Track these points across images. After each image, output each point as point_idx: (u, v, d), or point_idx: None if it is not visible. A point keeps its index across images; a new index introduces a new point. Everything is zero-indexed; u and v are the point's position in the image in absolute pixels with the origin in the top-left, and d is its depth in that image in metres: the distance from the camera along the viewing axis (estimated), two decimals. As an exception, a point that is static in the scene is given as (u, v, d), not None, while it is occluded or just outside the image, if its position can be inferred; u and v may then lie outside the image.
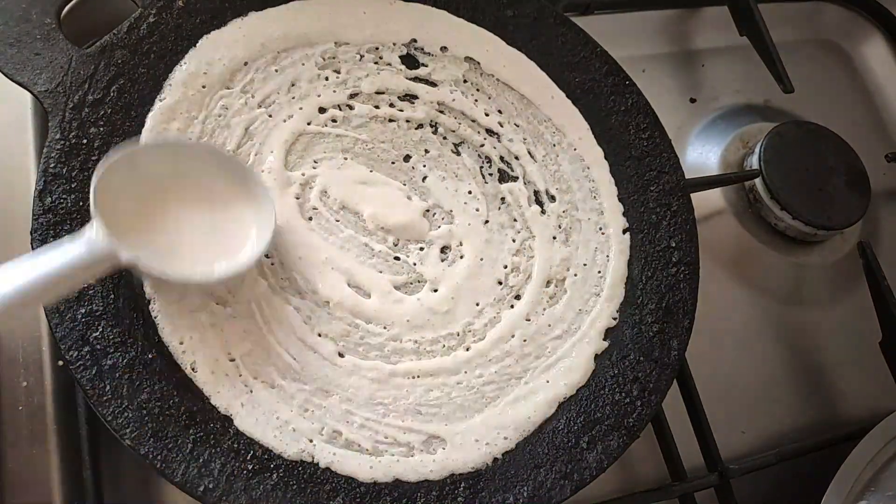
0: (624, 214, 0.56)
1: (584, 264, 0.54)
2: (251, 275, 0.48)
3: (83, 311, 0.43)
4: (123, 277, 0.45)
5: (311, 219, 0.50)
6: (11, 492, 0.46)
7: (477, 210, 0.54)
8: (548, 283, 0.53)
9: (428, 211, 0.53)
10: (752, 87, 0.76)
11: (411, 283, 0.51)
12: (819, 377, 0.66)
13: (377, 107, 0.54)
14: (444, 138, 0.55)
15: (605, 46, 0.59)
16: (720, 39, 0.76)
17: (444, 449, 0.47)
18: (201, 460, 0.42)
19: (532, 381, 0.50)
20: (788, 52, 0.71)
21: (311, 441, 0.45)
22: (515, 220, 0.54)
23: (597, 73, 0.59)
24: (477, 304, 0.51)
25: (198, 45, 0.51)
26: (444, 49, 0.57)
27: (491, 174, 0.55)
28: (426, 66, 0.56)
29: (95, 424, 0.47)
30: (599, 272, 0.54)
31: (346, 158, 0.53)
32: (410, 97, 0.55)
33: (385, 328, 0.49)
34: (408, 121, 0.55)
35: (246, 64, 0.52)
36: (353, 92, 0.54)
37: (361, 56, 0.55)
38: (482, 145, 0.56)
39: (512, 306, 0.52)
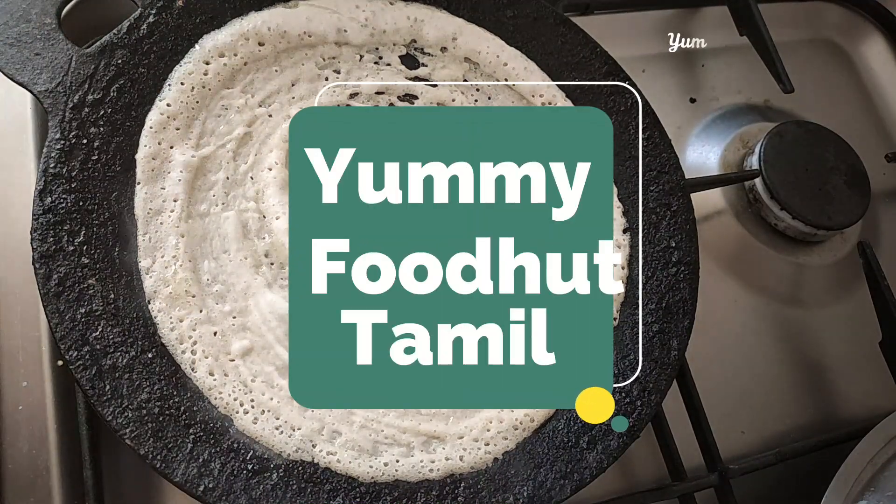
0: (624, 214, 0.56)
1: (584, 264, 0.54)
2: (250, 273, 0.48)
3: (83, 310, 0.43)
4: (124, 277, 0.45)
5: (311, 219, 0.50)
6: (11, 492, 0.46)
7: (477, 210, 0.54)
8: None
9: (428, 211, 0.53)
10: (752, 86, 0.76)
11: (411, 283, 0.51)
12: (819, 377, 0.66)
13: (377, 106, 0.54)
14: (444, 138, 0.55)
15: (605, 46, 0.59)
16: (720, 39, 0.76)
17: (444, 449, 0.47)
18: (201, 460, 0.42)
19: (532, 381, 0.50)
20: (788, 52, 0.71)
21: (311, 441, 0.45)
22: (515, 220, 0.54)
23: (596, 73, 0.59)
24: (477, 304, 0.51)
25: (198, 44, 0.51)
26: (443, 49, 0.57)
27: (491, 174, 0.55)
28: (426, 65, 0.56)
29: (95, 424, 0.47)
30: (599, 272, 0.54)
31: (346, 158, 0.53)
32: (410, 97, 0.55)
33: (385, 328, 0.49)
34: (408, 121, 0.55)
35: (246, 64, 0.52)
36: (353, 92, 0.54)
37: (361, 56, 0.55)
38: (482, 145, 0.56)
39: (512, 306, 0.52)
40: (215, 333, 0.46)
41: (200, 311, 0.46)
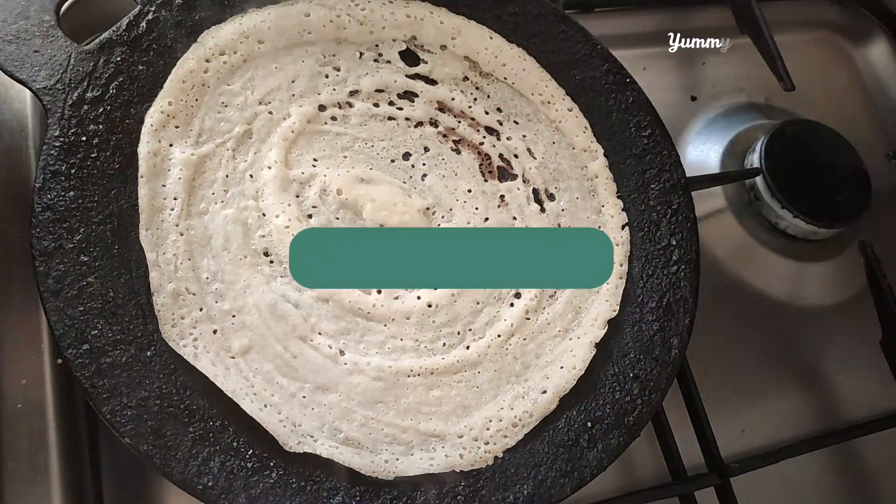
0: (624, 211, 0.56)
1: (585, 262, 0.54)
2: (249, 272, 0.48)
3: (82, 308, 0.43)
4: (123, 275, 0.45)
5: (310, 216, 0.50)
6: (11, 491, 0.45)
7: (476, 209, 0.54)
8: (548, 282, 0.53)
9: (428, 209, 0.53)
10: (753, 84, 0.75)
11: (411, 281, 0.51)
12: (819, 377, 0.66)
13: (377, 105, 0.54)
14: (444, 136, 0.55)
15: (606, 44, 0.59)
16: (721, 38, 0.76)
17: (443, 447, 0.47)
18: (200, 458, 0.42)
19: (532, 379, 0.50)
20: (789, 50, 0.70)
21: (311, 437, 0.45)
22: (515, 218, 0.54)
23: (597, 71, 0.59)
24: (477, 303, 0.51)
25: (197, 41, 0.51)
26: (443, 47, 0.57)
27: (490, 172, 0.55)
28: (426, 63, 0.56)
29: (95, 423, 0.47)
30: (600, 270, 0.54)
31: (345, 157, 0.52)
32: (410, 95, 0.55)
33: (385, 326, 0.49)
34: (407, 119, 0.55)
35: (246, 61, 0.52)
36: (353, 90, 0.54)
37: (361, 54, 0.55)
38: (481, 143, 0.55)
39: (512, 305, 0.52)
40: (215, 331, 0.46)
41: (200, 310, 0.46)
